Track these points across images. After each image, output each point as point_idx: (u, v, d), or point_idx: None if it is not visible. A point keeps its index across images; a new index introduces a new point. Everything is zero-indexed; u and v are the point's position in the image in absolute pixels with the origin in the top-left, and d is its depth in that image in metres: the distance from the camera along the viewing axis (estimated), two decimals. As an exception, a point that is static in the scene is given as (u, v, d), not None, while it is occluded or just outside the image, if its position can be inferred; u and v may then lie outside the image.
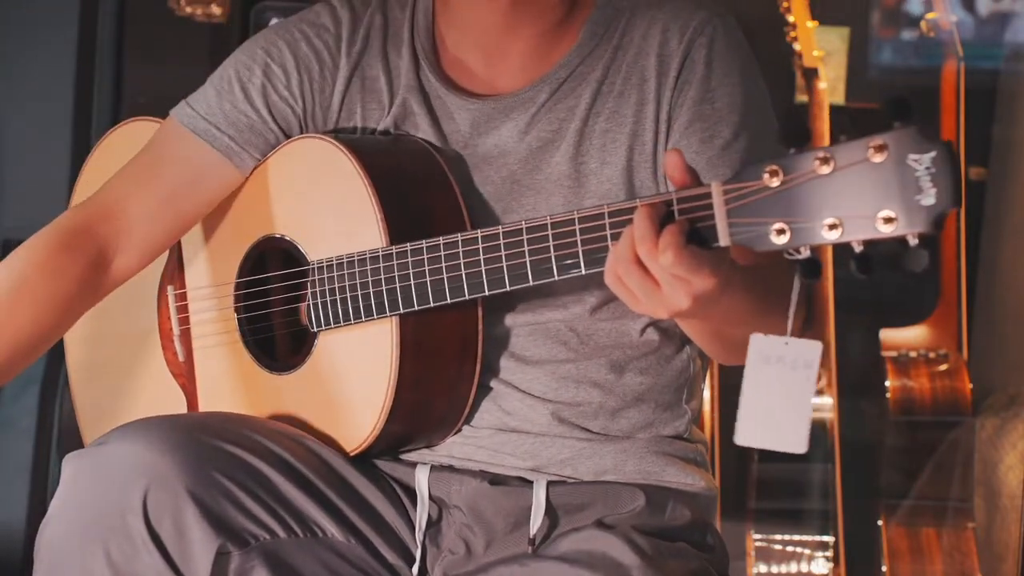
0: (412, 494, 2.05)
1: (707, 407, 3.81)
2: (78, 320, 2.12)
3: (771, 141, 2.00)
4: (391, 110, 2.09)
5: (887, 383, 3.84)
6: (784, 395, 1.68)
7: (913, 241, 1.58)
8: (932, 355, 3.85)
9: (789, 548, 3.95)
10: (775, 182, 1.64)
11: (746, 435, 1.70)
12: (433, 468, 2.05)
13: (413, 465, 2.06)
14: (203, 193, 2.11)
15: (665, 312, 1.73)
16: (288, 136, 2.11)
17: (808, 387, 1.68)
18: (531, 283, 1.86)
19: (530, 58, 2.07)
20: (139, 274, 2.15)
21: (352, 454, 2.03)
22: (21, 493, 3.67)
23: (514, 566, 1.97)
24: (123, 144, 2.20)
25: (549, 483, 2.02)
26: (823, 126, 3.91)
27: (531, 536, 1.99)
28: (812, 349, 1.69)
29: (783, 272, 1.85)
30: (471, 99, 2.07)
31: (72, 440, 2.29)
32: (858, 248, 1.61)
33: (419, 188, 2.01)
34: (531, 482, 2.02)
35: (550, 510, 2.01)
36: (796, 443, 1.68)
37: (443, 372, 2.00)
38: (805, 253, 1.64)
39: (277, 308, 2.10)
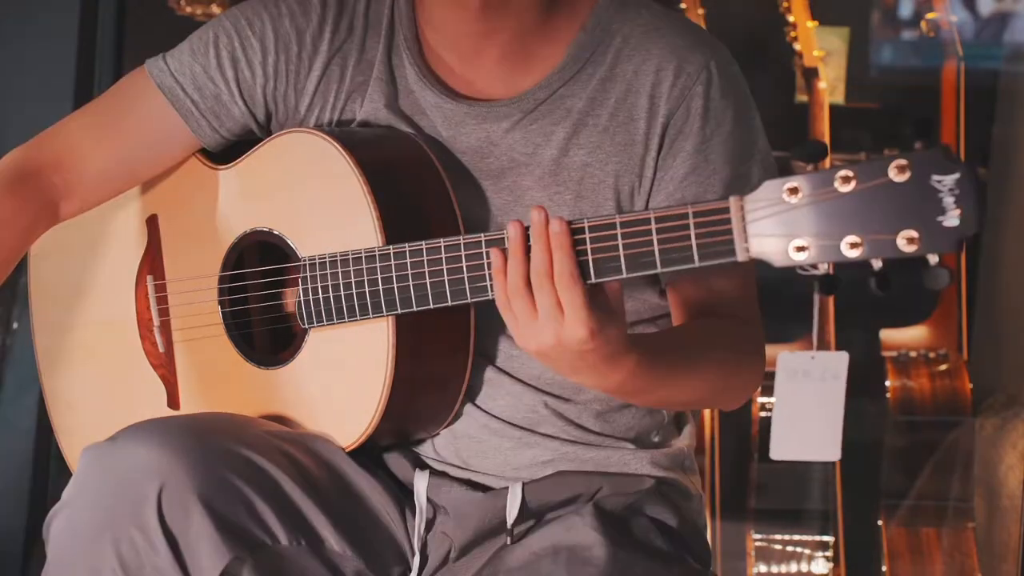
0: (408, 494, 2.05)
1: (707, 408, 3.81)
2: (44, 296, 2.13)
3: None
4: (367, 100, 2.07)
5: (887, 383, 3.84)
6: (815, 407, 1.69)
7: (934, 260, 1.58)
8: (932, 355, 3.85)
9: (789, 548, 3.95)
10: (794, 199, 1.64)
11: (781, 449, 1.71)
12: (433, 474, 2.05)
13: (412, 470, 2.06)
14: (160, 156, 2.11)
15: (534, 345, 1.77)
16: (252, 113, 2.09)
17: (838, 397, 1.69)
18: None
19: (509, 66, 2.04)
20: (113, 260, 2.14)
21: (345, 451, 2.02)
22: (21, 493, 3.67)
23: (490, 563, 1.98)
24: None
25: (531, 481, 2.02)
26: (823, 126, 3.91)
27: (508, 527, 1.99)
28: (839, 360, 1.70)
29: (730, 320, 1.86)
30: (446, 98, 2.05)
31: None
32: (877, 266, 1.61)
33: (413, 185, 2.00)
34: (516, 481, 2.02)
35: (526, 507, 2.01)
36: (830, 452, 1.69)
37: (436, 371, 2.00)
38: (823, 269, 1.64)
39: (264, 304, 2.09)
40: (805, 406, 1.72)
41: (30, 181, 2.09)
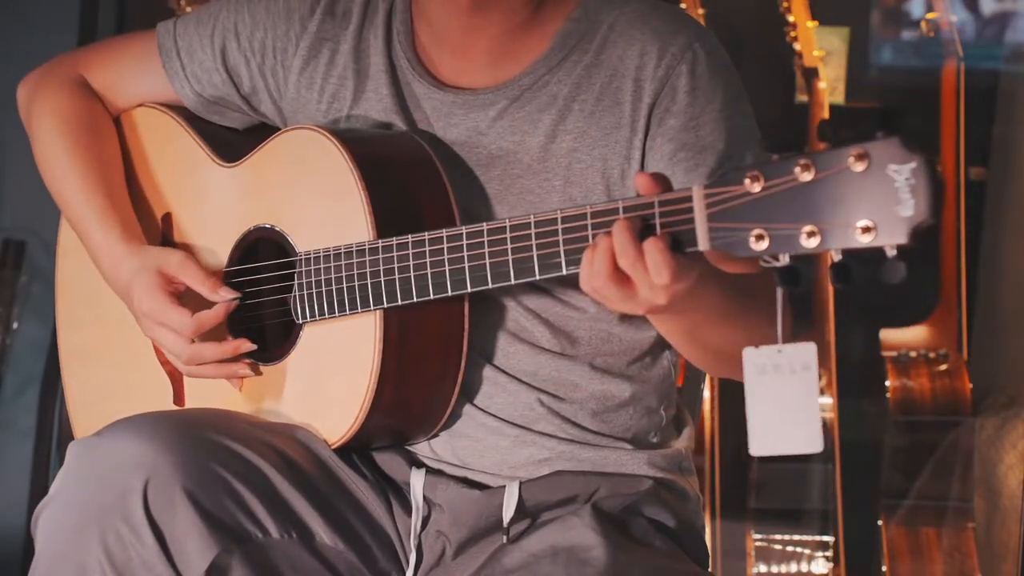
0: (401, 495, 2.05)
1: (707, 407, 3.81)
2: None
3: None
4: (357, 88, 2.09)
5: (887, 383, 3.84)
6: (788, 401, 1.68)
7: (891, 252, 1.57)
8: (932, 355, 3.85)
9: (789, 548, 3.96)
10: (756, 187, 1.63)
11: (760, 446, 1.70)
12: (429, 472, 2.05)
13: (408, 468, 2.06)
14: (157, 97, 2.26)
15: (642, 309, 1.75)
16: (234, 82, 2.16)
17: (811, 388, 1.67)
18: (512, 281, 1.86)
19: (496, 57, 2.05)
20: None
21: (332, 447, 2.03)
22: (21, 493, 3.67)
23: (488, 564, 1.98)
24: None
25: (528, 480, 2.02)
26: (823, 126, 3.92)
27: (505, 526, 1.99)
28: (807, 351, 1.68)
29: (756, 279, 1.86)
30: (434, 89, 2.06)
31: (72, 440, 2.30)
32: (837, 257, 1.60)
33: (409, 183, 2.00)
34: (513, 480, 2.02)
35: (523, 506, 2.01)
36: (810, 443, 1.68)
37: (426, 368, 1.99)
38: (784, 260, 1.63)
39: (265, 298, 2.10)
40: (778, 401, 1.70)
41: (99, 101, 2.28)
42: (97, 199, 2.17)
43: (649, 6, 2.05)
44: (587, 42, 2.03)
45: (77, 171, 2.19)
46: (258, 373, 2.08)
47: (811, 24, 3.93)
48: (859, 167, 1.57)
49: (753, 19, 4.24)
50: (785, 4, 3.92)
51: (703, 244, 1.68)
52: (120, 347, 2.22)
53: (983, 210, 4.26)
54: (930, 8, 3.96)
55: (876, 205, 1.56)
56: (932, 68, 4.09)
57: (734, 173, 1.64)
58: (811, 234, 1.60)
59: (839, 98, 4.34)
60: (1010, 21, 4.40)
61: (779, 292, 1.67)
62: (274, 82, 2.14)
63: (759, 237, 1.63)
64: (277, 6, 2.14)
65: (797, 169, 1.60)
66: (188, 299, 2.09)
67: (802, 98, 4.05)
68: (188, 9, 3.69)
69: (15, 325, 3.68)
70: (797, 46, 3.93)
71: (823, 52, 3.96)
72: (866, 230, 1.57)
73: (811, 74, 3.93)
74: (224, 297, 2.06)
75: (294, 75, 2.13)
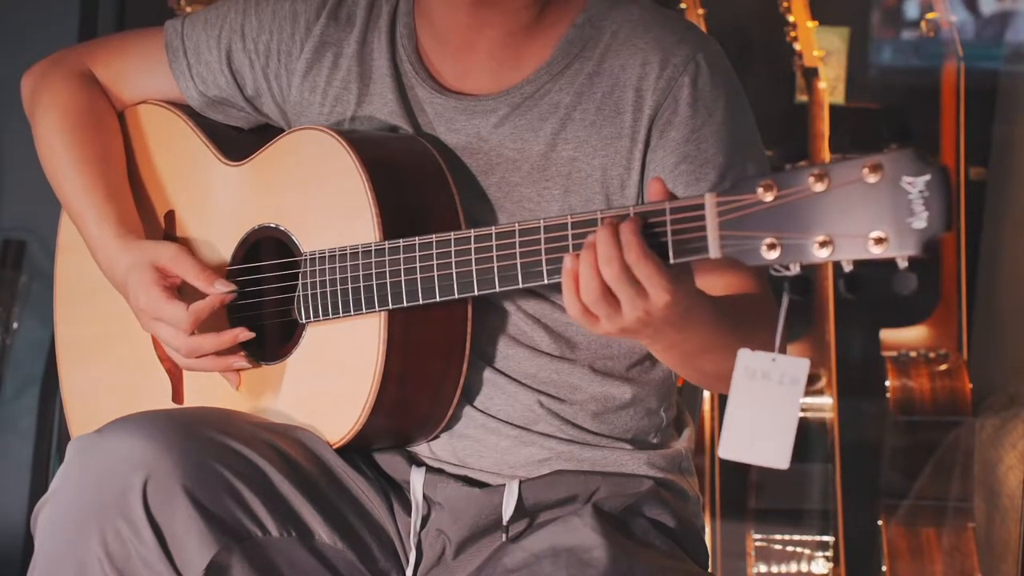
0: (401, 493, 2.06)
1: (707, 407, 3.81)
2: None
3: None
4: (360, 91, 2.10)
5: (887, 383, 3.84)
6: (769, 411, 1.68)
7: (903, 264, 1.57)
8: (932, 355, 3.85)
9: (789, 548, 3.95)
10: (769, 197, 1.64)
11: (730, 449, 1.70)
12: (428, 470, 2.05)
13: (408, 467, 2.06)
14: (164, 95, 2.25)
15: (621, 329, 1.74)
16: (238, 84, 2.17)
17: (794, 404, 1.67)
18: (520, 285, 1.86)
19: (499, 62, 2.05)
20: None
21: (334, 447, 2.03)
22: (21, 493, 3.67)
23: (489, 563, 1.97)
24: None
25: (528, 479, 2.02)
26: (823, 126, 3.91)
27: (504, 524, 1.99)
28: (800, 366, 1.68)
29: (758, 304, 1.85)
30: (436, 93, 2.07)
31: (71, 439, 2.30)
32: (848, 268, 1.60)
33: (416, 186, 2.01)
34: (513, 479, 2.02)
35: (522, 505, 2.01)
36: (778, 459, 1.68)
37: (429, 370, 2.00)
38: (795, 270, 1.63)
39: (268, 297, 2.10)
40: (759, 408, 1.70)
41: (103, 94, 2.27)
42: (95, 194, 2.17)
43: (653, 14, 2.04)
44: (590, 50, 2.03)
45: (77, 165, 2.19)
46: (256, 365, 2.08)
47: (811, 24, 3.93)
48: (872, 178, 1.58)
49: (753, 19, 4.24)
50: (785, 4, 3.92)
51: (714, 252, 1.68)
52: (118, 344, 2.22)
53: (983, 210, 4.26)
54: (930, 8, 3.96)
55: (889, 217, 1.57)
56: (932, 68, 4.09)
57: (747, 182, 1.65)
58: (823, 244, 1.60)
59: (839, 98, 4.33)
60: (1010, 21, 4.40)
61: (784, 299, 1.68)
62: (277, 85, 2.15)
63: (771, 246, 1.63)
64: (283, 10, 2.14)
65: (810, 179, 1.61)
66: (186, 293, 2.09)
67: (802, 98, 4.05)
68: (188, 9, 3.70)
69: (15, 325, 3.68)
70: (797, 46, 3.93)
71: (823, 52, 3.95)
72: (879, 241, 1.57)
73: (811, 74, 3.93)
74: (219, 290, 2.05)
75: (298, 78, 2.13)
